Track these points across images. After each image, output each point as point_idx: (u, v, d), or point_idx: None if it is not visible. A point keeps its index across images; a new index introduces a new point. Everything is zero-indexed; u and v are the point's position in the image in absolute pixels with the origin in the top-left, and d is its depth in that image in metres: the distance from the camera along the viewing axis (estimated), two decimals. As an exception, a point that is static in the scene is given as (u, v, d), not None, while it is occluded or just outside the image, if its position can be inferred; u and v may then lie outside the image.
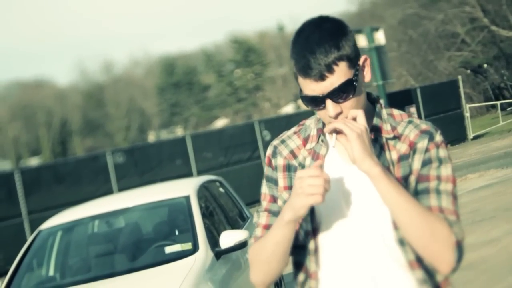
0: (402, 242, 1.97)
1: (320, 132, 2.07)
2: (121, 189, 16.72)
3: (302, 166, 2.08)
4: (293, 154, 2.12)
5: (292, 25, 51.03)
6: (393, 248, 1.98)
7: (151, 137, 58.25)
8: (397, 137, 2.01)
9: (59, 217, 6.45)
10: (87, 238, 6.46)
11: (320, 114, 2.01)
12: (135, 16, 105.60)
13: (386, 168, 1.95)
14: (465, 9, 36.00)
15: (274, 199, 2.13)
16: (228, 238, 5.58)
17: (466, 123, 25.04)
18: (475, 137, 25.06)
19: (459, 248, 1.91)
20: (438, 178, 1.96)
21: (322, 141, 2.05)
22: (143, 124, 61.55)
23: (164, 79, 60.86)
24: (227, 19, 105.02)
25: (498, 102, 29.31)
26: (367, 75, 2.01)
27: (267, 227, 2.09)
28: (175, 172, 17.98)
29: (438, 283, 2.02)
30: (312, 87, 1.93)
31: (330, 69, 1.90)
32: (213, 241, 5.66)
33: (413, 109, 23.15)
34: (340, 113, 1.94)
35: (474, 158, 18.71)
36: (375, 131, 2.01)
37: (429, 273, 2.00)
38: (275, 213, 2.10)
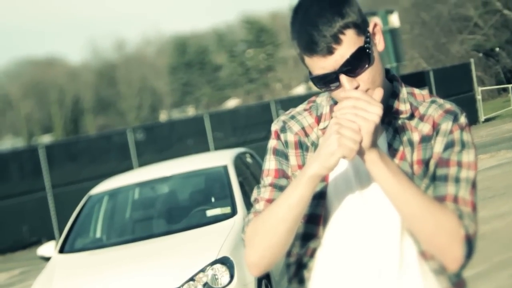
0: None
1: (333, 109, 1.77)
2: (141, 165, 17.24)
3: (315, 146, 1.86)
4: (305, 131, 1.91)
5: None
6: (405, 238, 1.78)
7: (163, 116, 58.72)
8: (415, 116, 1.82)
9: (106, 183, 7.03)
10: (132, 203, 7.03)
11: (335, 95, 1.78)
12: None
13: (395, 151, 1.80)
14: (478, -7, 36.24)
15: (283, 174, 1.89)
16: None
17: (477, 106, 25.43)
18: (487, 120, 25.45)
19: (469, 242, 1.69)
20: (459, 164, 1.76)
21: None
22: (154, 103, 62.02)
23: (176, 58, 61.26)
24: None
25: (510, 86, 29.54)
26: (380, 43, 1.78)
27: (271, 201, 1.83)
28: (193, 150, 18.38)
29: (456, 275, 1.82)
30: (322, 64, 1.71)
31: (337, 39, 1.68)
32: (249, 206, 6.21)
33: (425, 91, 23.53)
34: (357, 87, 1.71)
35: (485, 139, 19.14)
36: (389, 113, 1.81)
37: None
38: (281, 188, 1.85)
